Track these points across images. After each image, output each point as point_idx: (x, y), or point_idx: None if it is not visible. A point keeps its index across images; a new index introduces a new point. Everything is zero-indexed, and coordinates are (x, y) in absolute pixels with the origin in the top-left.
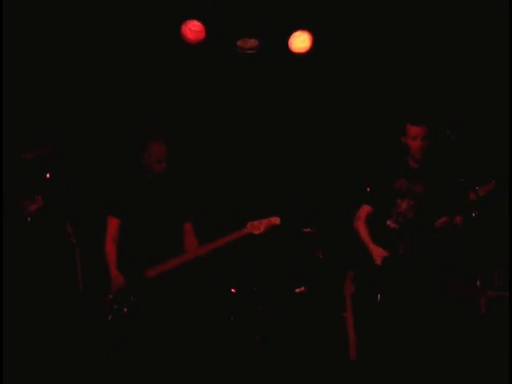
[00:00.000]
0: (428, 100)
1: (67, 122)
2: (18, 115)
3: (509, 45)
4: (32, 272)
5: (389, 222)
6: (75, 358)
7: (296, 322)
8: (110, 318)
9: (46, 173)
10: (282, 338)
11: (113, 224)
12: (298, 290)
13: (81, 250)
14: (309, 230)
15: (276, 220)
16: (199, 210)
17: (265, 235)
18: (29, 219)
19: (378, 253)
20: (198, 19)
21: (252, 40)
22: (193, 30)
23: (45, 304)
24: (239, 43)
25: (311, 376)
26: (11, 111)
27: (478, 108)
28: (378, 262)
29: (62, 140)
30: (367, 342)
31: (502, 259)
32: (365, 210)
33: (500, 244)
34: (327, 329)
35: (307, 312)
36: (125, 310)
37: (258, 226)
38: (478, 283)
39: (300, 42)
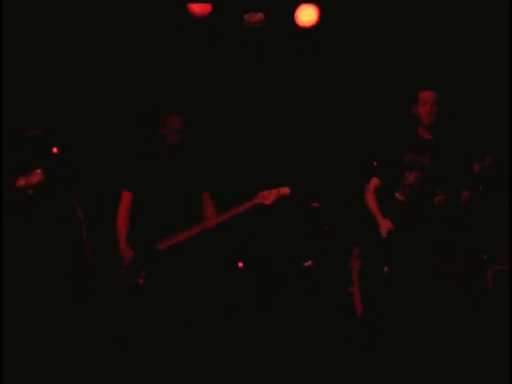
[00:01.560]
0: (438, 70)
1: (78, 96)
2: (23, 91)
3: None
4: (36, 248)
5: (397, 195)
6: (83, 338)
7: (303, 296)
8: (124, 291)
9: (54, 147)
10: (289, 312)
11: (126, 198)
12: (305, 264)
13: (87, 225)
14: (316, 204)
15: (286, 190)
16: (215, 181)
17: (275, 205)
18: (30, 192)
19: (384, 225)
20: None
21: (259, 14)
22: (199, 3)
23: (51, 282)
24: (246, 17)
25: (318, 351)
26: (15, 89)
27: (483, 80)
28: (384, 234)
29: (73, 114)
30: (374, 315)
31: (506, 232)
32: (374, 182)
33: (504, 217)
34: (334, 303)
35: (314, 286)
36: (140, 281)
37: (268, 196)
38: (485, 257)
39: (306, 15)
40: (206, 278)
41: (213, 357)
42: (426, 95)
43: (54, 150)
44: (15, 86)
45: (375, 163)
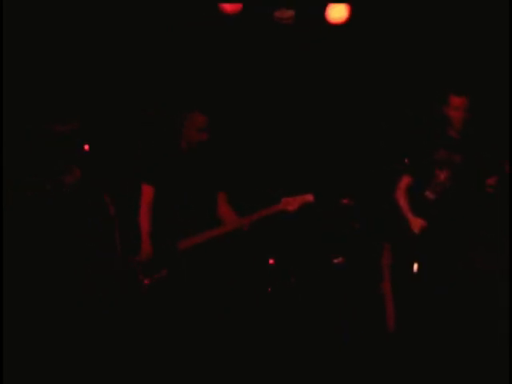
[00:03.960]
0: (470, 71)
1: (103, 91)
2: (51, 86)
3: None
4: (71, 245)
5: (427, 193)
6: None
7: (334, 293)
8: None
9: (85, 144)
10: (319, 309)
11: (147, 192)
12: (336, 261)
13: (119, 221)
14: (346, 201)
15: (310, 197)
16: (233, 182)
17: (298, 212)
18: (67, 191)
19: (415, 223)
20: None
21: (289, 11)
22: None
23: (84, 277)
24: (277, 14)
25: (349, 347)
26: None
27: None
28: (416, 231)
29: (97, 110)
30: (405, 312)
31: None
32: (405, 180)
33: None
34: (365, 300)
35: (345, 283)
36: (159, 277)
37: (292, 203)
38: None
39: (337, 12)
40: (225, 284)
41: (237, 355)
42: (458, 101)
43: (86, 146)
44: (43, 81)
45: (407, 161)
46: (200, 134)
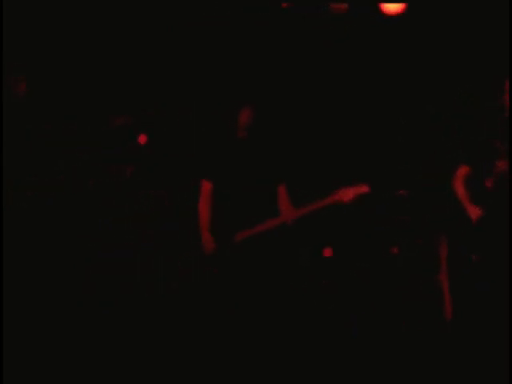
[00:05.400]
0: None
1: (159, 86)
2: (110, 79)
3: None
4: (130, 239)
5: (487, 183)
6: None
7: (391, 285)
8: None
9: (142, 136)
10: (377, 301)
11: (206, 187)
12: (392, 252)
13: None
14: (403, 191)
15: (365, 188)
16: (292, 175)
17: (353, 203)
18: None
19: (474, 212)
20: None
21: (343, 2)
22: None
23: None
24: (330, 5)
25: (408, 338)
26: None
27: None
28: (474, 220)
29: (155, 106)
30: (463, 302)
31: None
32: (463, 170)
33: None
34: (423, 291)
35: (402, 274)
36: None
37: (347, 194)
38: None
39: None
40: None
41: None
42: None
43: (142, 139)
44: (101, 74)
45: (466, 149)
46: (244, 132)
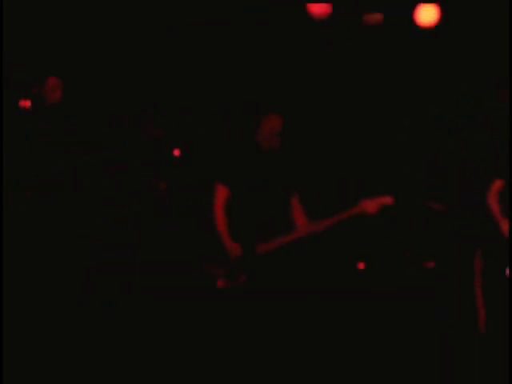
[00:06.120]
0: None
1: (178, 94)
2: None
3: None
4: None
5: None
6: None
7: (426, 298)
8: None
9: (174, 150)
10: (411, 314)
11: (221, 193)
12: (426, 266)
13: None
14: (438, 206)
15: (389, 200)
16: (309, 186)
17: (377, 214)
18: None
19: (506, 227)
20: None
21: (377, 13)
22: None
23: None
24: (365, 17)
25: (442, 350)
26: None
27: None
28: (506, 235)
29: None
30: (497, 316)
31: None
32: (497, 184)
33: None
34: (457, 304)
35: (437, 288)
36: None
37: (371, 205)
38: None
39: (427, 14)
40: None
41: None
42: None
43: (176, 152)
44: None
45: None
46: (274, 139)
